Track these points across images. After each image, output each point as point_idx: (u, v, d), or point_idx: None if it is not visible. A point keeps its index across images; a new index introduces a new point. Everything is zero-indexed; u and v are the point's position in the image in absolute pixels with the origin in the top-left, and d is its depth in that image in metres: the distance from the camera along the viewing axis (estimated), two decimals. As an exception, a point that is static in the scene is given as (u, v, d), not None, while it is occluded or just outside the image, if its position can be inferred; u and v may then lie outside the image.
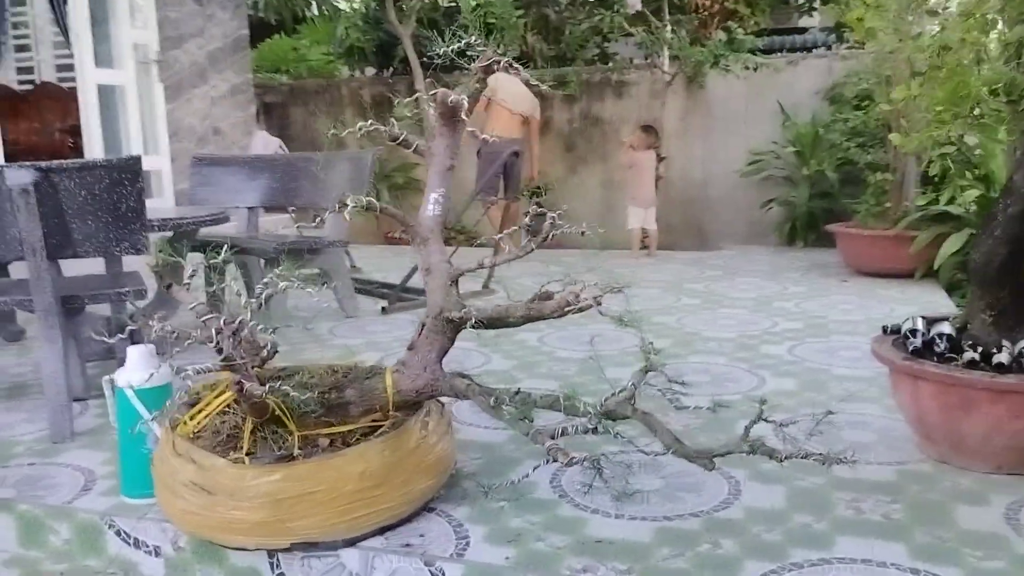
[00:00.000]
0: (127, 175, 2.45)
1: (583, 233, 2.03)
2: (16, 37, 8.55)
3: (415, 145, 2.01)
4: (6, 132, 8.84)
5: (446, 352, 1.94)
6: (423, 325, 1.93)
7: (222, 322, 1.65)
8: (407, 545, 1.80)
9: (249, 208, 4.39)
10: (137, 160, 2.45)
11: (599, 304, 1.97)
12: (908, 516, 1.87)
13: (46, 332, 2.45)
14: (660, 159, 7.14)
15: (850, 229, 5.25)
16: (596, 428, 1.73)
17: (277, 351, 1.97)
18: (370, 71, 9.26)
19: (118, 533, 1.98)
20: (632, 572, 1.66)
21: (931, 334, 2.15)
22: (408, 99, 2.03)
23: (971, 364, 2.01)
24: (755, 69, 6.70)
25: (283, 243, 3.80)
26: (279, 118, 8.79)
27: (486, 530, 1.85)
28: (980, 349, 2.03)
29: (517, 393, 1.89)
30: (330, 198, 4.23)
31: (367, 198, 1.86)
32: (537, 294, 2.02)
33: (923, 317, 2.26)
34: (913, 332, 2.18)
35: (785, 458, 1.69)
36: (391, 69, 8.72)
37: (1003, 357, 1.98)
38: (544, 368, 3.21)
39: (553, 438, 1.67)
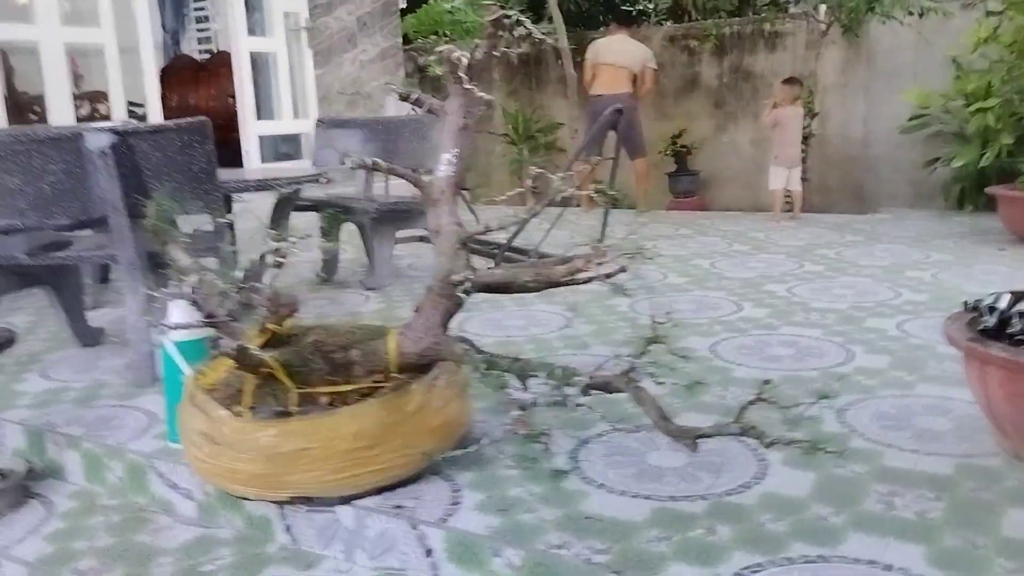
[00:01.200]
0: (196, 137, 2.58)
1: (600, 195, 1.90)
2: (197, 8, 9.23)
3: (428, 104, 1.97)
4: (188, 98, 9.61)
5: (452, 315, 1.91)
6: (430, 288, 1.91)
7: (202, 282, 1.70)
8: (399, 507, 1.80)
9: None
10: (204, 123, 2.57)
11: (611, 275, 1.87)
12: (947, 516, 1.66)
13: (130, 284, 2.64)
14: (812, 115, 6.66)
15: (1013, 192, 4.67)
16: (563, 401, 1.64)
17: (296, 310, 2.03)
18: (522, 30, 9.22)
19: (159, 475, 2.13)
20: (608, 552, 1.58)
21: (1011, 311, 1.87)
22: (433, 56, 1.99)
23: (1043, 348, 1.73)
24: (921, 15, 6.05)
25: (384, 204, 3.88)
26: (432, 80, 8.96)
27: (482, 497, 1.82)
28: (1064, 332, 1.75)
29: (516, 361, 1.83)
30: (429, 160, 4.27)
31: (371, 159, 1.85)
32: (551, 258, 1.94)
33: (1013, 292, 1.97)
34: (991, 309, 1.91)
35: (769, 444, 1.53)
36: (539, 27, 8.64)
37: (1083, 342, 1.69)
38: (620, 335, 3.11)
39: (523, 409, 1.60)
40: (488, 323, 3.35)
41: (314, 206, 4.13)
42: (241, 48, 6.23)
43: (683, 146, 7.55)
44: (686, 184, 7.47)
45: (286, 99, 6.64)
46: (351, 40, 7.25)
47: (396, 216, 3.94)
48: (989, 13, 1.99)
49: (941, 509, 1.68)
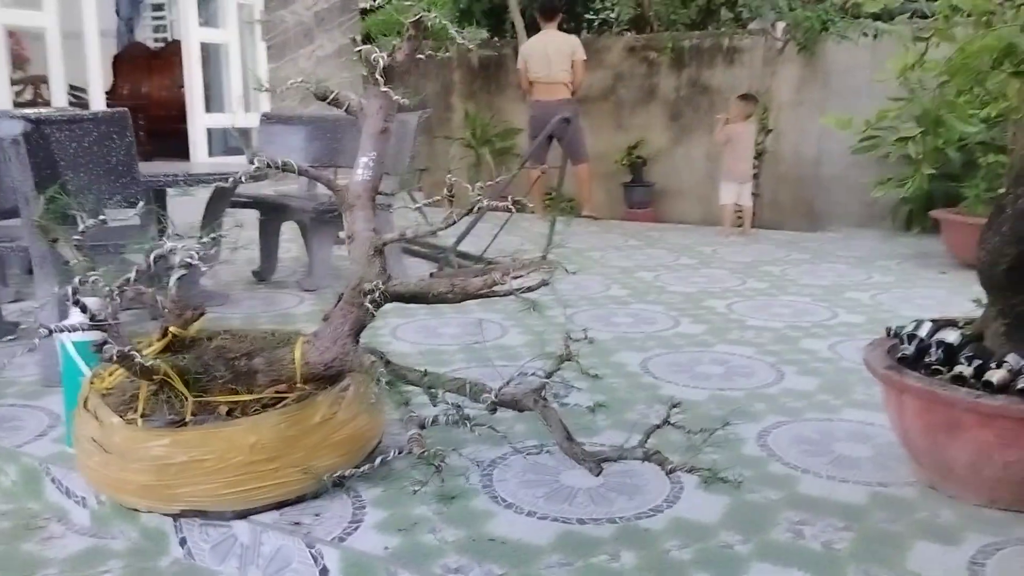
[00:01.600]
0: (115, 128, 2.48)
1: (516, 208, 1.84)
2: (152, -4, 9.06)
3: (347, 104, 1.90)
4: (141, 87, 9.39)
5: (363, 326, 1.84)
6: (340, 296, 1.84)
7: (87, 281, 1.61)
8: (297, 523, 1.73)
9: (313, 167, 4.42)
10: (124, 114, 2.48)
11: (532, 288, 1.82)
12: (853, 547, 1.63)
13: (41, 278, 2.53)
14: (767, 131, 6.70)
15: (956, 216, 4.72)
16: (464, 420, 1.58)
17: (203, 314, 1.95)
18: (484, 35, 9.17)
19: (53, 480, 2.03)
20: (506, 578, 1.53)
21: (930, 340, 1.85)
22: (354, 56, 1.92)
23: (958, 379, 1.72)
24: (875, 37, 6.11)
25: (322, 204, 3.79)
26: (391, 80, 8.86)
27: (385, 515, 1.76)
28: (978, 363, 1.73)
29: (426, 375, 1.77)
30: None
31: (284, 160, 1.78)
32: (497, 264, 1.88)
33: (934, 320, 1.96)
34: (911, 337, 1.90)
35: (671, 470, 1.49)
36: (500, 33, 8.60)
37: (997, 374, 1.67)
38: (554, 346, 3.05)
39: (423, 427, 1.54)
40: (422, 330, 3.28)
41: (253, 203, 4.02)
42: (191, 38, 6.09)
43: (639, 157, 7.55)
44: (640, 195, 7.46)
45: (237, 92, 6.51)
46: (307, 35, 7.13)
47: (336, 217, 3.85)
48: (916, 39, 1.97)
49: (849, 540, 1.66)
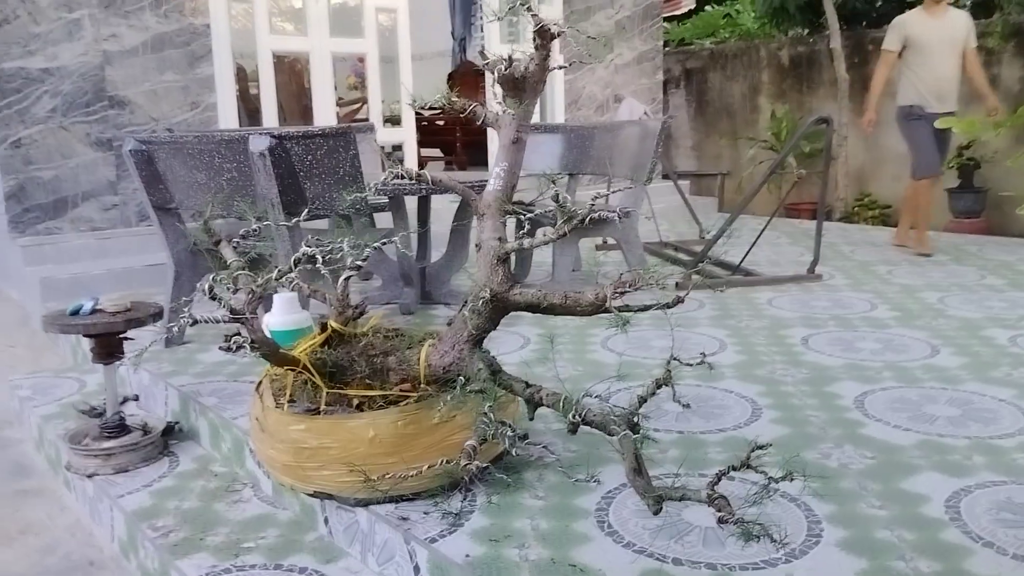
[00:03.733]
0: (341, 143, 2.76)
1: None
2: (483, 17, 9.84)
3: (483, 116, 1.93)
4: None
5: (484, 332, 1.86)
6: (465, 302, 1.88)
7: (239, 279, 1.82)
8: (404, 518, 1.81)
9: (570, 175, 4.53)
10: (348, 130, 2.74)
11: (652, 307, 1.71)
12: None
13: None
14: None
15: None
16: (516, 439, 1.53)
17: (363, 313, 2.11)
18: (799, 31, 8.65)
19: (251, 451, 2.32)
20: (564, 608, 1.46)
21: None
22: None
23: None
24: None
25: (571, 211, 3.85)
26: (698, 83, 8.72)
27: (487, 523, 1.77)
28: None
29: (528, 387, 1.75)
30: (618, 166, 4.17)
31: (415, 169, 1.86)
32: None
33: None
34: None
35: (720, 520, 1.31)
36: (818, 28, 8.03)
37: None
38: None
39: (483, 441, 1.52)
40: (634, 341, 3.19)
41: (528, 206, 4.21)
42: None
43: (970, 159, 6.61)
44: (969, 203, 6.54)
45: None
46: (607, 45, 7.26)
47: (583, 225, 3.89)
48: None
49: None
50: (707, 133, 8.69)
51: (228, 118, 5.26)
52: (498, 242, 1.86)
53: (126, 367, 3.14)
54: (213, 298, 1.71)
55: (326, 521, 2.00)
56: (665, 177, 7.65)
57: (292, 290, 2.16)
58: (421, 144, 8.47)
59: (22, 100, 4.61)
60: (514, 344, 3.15)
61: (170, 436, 2.65)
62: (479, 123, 1.95)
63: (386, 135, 6.30)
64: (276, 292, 2.38)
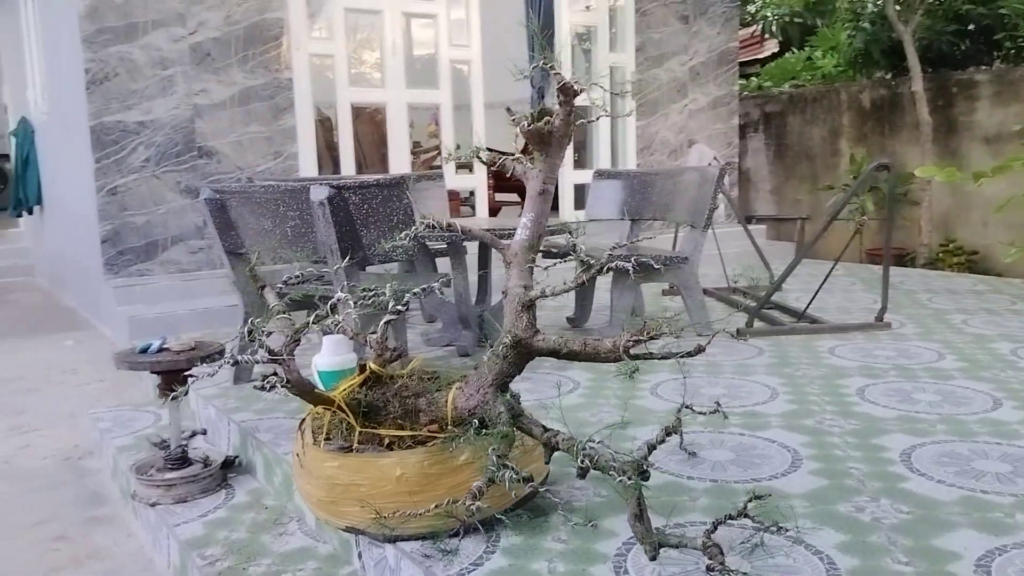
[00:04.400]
0: (395, 192, 2.89)
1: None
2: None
3: (512, 168, 2.02)
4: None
5: (508, 376, 1.93)
6: (491, 347, 1.95)
7: (281, 322, 1.94)
8: (427, 556, 1.87)
9: (632, 220, 4.58)
10: (401, 179, 2.87)
11: (690, 355, 1.74)
12: None
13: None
14: None
15: None
16: (517, 480, 1.57)
17: (402, 355, 2.20)
18: (882, 74, 8.50)
19: (297, 488, 2.43)
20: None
21: None
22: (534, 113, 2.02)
23: None
24: None
25: (623, 256, 3.89)
26: (776, 127, 8.64)
27: (505, 564, 1.81)
28: None
29: (545, 431, 1.80)
30: (677, 212, 4.20)
31: (446, 219, 1.96)
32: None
33: None
34: None
35: (708, 568, 1.32)
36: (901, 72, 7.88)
37: None
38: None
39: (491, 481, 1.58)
40: (679, 388, 3.19)
41: (556, 252, 4.29)
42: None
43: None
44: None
45: (604, 150, 6.92)
46: (680, 91, 7.31)
47: (637, 268, 3.93)
48: None
49: None
50: (786, 177, 8.58)
51: (308, 166, 5.53)
52: (523, 290, 1.93)
53: (199, 404, 3.33)
54: (252, 340, 1.83)
55: (360, 556, 2.08)
56: (749, 220, 7.60)
57: (337, 332, 2.27)
58: (498, 189, 8.66)
59: (119, 151, 4.96)
60: (564, 388, 3.19)
61: (229, 469, 2.79)
62: (509, 175, 2.04)
63: (459, 182, 6.47)
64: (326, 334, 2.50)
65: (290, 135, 5.46)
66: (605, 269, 1.86)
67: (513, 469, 1.65)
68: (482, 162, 2.03)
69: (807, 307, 4.28)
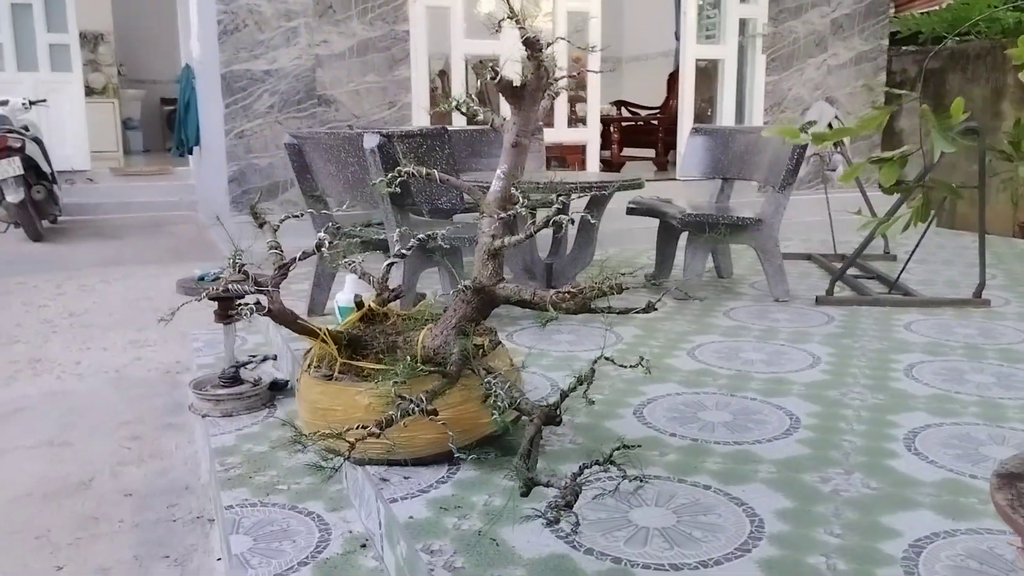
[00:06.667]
0: (437, 142, 3.02)
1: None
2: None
3: (491, 121, 2.08)
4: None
5: (470, 320, 2.02)
6: (456, 290, 2.05)
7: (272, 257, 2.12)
8: (384, 479, 2.02)
9: (724, 179, 4.48)
10: (442, 130, 2.99)
11: (644, 311, 1.78)
12: None
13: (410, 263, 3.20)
14: None
15: None
16: (425, 413, 1.66)
17: (400, 296, 2.35)
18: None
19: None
20: None
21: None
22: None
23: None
24: None
25: (690, 215, 3.84)
26: (935, 85, 7.99)
27: (447, 494, 1.94)
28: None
29: (488, 373, 1.88)
30: (753, 170, 4.06)
31: (419, 168, 2.06)
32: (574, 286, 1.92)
33: None
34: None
35: (551, 508, 1.37)
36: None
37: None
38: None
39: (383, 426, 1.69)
40: (727, 351, 3.15)
41: (642, 210, 4.27)
42: (687, 55, 6.49)
43: None
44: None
45: (729, 105, 6.70)
46: (820, 44, 6.92)
47: (704, 228, 3.87)
48: None
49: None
50: (942, 140, 7.94)
51: (421, 116, 5.75)
52: (491, 239, 2.01)
53: (272, 331, 3.64)
54: (240, 271, 2.03)
55: (346, 476, 2.27)
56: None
57: (350, 271, 2.45)
58: (625, 144, 8.58)
59: (246, 98, 5.37)
60: (610, 340, 3.24)
61: (279, 391, 3.06)
62: (490, 127, 2.11)
63: (571, 135, 6.49)
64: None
65: (404, 86, 5.68)
66: (554, 220, 1.90)
67: (412, 401, 1.76)
68: (462, 113, 2.11)
69: (897, 277, 4.05)
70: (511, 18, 1.88)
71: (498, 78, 1.93)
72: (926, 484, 1.98)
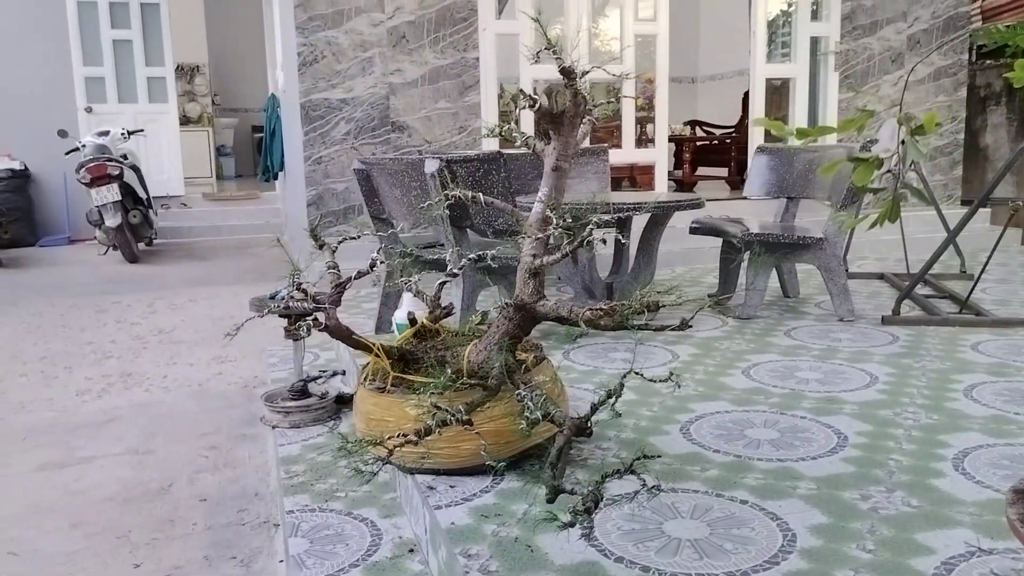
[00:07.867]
0: (492, 166, 3.14)
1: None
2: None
3: (534, 146, 2.17)
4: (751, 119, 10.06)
5: (512, 337, 2.11)
6: (500, 307, 2.15)
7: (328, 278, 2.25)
8: (431, 488, 2.13)
9: (788, 198, 4.46)
10: (498, 155, 3.11)
11: (678, 328, 1.85)
12: None
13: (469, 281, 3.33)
14: None
15: None
16: (461, 422, 1.75)
17: (451, 313, 2.47)
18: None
19: (376, 422, 2.78)
20: None
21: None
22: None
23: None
24: None
25: (752, 234, 3.86)
26: (1007, 102, 7.73)
27: (489, 503, 2.03)
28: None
29: (526, 387, 1.97)
30: (815, 189, 4.04)
31: (465, 192, 2.17)
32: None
33: None
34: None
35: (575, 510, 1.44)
36: None
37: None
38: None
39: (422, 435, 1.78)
40: (781, 371, 3.15)
41: (703, 229, 4.29)
42: (757, 74, 6.47)
43: None
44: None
45: (801, 124, 6.63)
46: (896, 60, 6.79)
47: (769, 247, 3.88)
48: None
49: None
50: (1030, 155, 7.67)
51: (491, 140, 5.90)
52: (532, 258, 2.10)
53: (341, 347, 3.80)
54: (299, 289, 2.18)
55: (399, 484, 2.38)
56: (964, 203, 6.97)
57: (407, 289, 2.58)
58: (698, 163, 8.57)
59: (324, 125, 5.63)
60: (654, 360, 3.28)
61: (344, 405, 3.21)
62: (532, 152, 2.20)
63: (639, 156, 6.54)
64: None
65: (474, 111, 5.85)
66: (587, 239, 1.97)
67: (450, 412, 1.85)
68: (506, 138, 2.21)
69: (968, 296, 3.96)
70: (548, 49, 1.98)
71: (536, 105, 2.03)
72: (968, 503, 1.96)
